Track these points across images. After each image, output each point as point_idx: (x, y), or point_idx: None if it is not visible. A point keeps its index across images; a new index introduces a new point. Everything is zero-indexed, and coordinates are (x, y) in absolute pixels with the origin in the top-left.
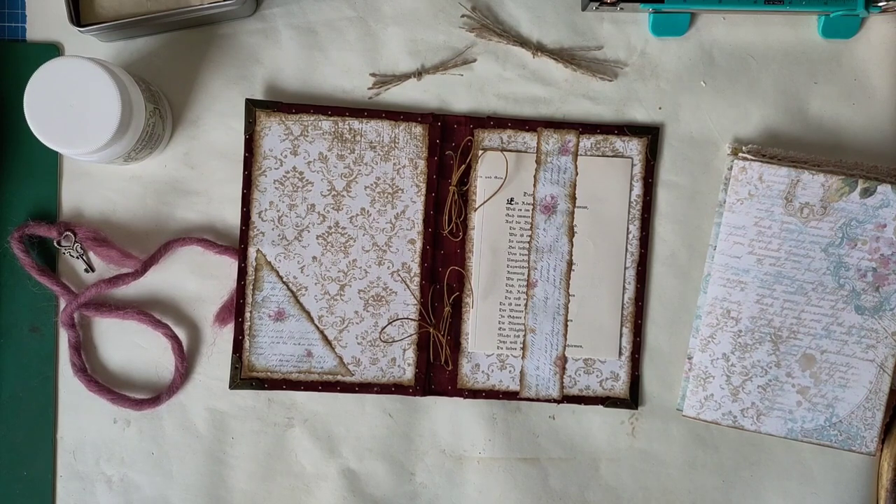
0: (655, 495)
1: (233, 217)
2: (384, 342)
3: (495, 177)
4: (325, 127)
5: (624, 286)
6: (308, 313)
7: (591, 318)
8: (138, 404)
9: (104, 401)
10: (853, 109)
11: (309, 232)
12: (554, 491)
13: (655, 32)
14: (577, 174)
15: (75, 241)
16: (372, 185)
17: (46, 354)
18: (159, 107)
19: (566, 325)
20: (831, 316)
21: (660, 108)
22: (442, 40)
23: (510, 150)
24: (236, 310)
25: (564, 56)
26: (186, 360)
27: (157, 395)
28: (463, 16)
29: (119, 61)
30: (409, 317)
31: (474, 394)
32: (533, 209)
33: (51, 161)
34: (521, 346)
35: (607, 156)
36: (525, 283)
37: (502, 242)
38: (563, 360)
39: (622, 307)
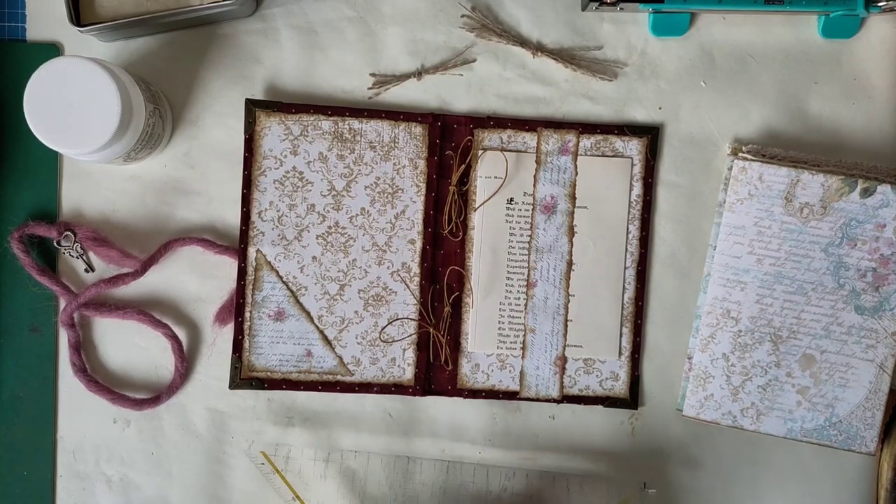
0: (655, 495)
1: (233, 217)
2: (384, 342)
3: (495, 177)
4: (325, 127)
5: (624, 286)
6: (308, 313)
7: (591, 318)
8: (138, 404)
9: (104, 401)
10: (853, 109)
11: (309, 232)
12: (554, 491)
13: (655, 32)
14: (576, 174)
15: (75, 241)
16: (372, 184)
17: (46, 354)
18: (159, 107)
19: (566, 325)
20: (831, 316)
21: (660, 108)
22: (442, 40)
23: (510, 150)
24: (236, 310)
25: (564, 56)
26: (186, 360)
27: (157, 395)
28: (463, 16)
29: (119, 61)
30: (409, 317)
31: (474, 394)
32: (533, 209)
33: (51, 161)
34: (521, 345)
35: (607, 156)
36: (525, 283)
37: (502, 242)
38: (563, 360)
39: (622, 307)
